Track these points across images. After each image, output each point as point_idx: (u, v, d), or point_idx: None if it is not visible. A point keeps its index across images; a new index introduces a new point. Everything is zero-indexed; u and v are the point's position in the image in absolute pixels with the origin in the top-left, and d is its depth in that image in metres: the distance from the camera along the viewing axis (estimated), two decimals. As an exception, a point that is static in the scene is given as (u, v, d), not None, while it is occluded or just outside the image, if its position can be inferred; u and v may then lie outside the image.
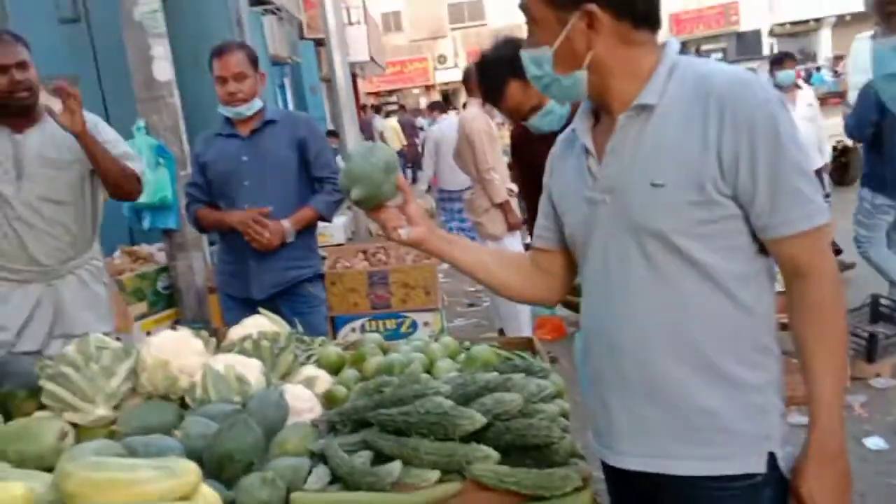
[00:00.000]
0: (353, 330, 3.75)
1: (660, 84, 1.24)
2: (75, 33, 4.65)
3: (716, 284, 1.22)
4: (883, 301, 4.23)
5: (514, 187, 4.27)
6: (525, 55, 1.32)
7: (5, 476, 1.20)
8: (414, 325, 3.72)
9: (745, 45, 27.97)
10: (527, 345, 2.14)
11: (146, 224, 3.52)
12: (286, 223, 2.86)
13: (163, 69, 3.54)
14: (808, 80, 15.68)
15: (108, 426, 1.61)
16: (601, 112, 1.35)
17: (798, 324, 1.24)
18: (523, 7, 1.30)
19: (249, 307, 2.57)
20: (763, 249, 1.24)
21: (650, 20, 1.26)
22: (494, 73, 2.30)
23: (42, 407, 1.68)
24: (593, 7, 1.20)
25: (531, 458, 1.41)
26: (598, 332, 1.36)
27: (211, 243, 3.86)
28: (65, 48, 4.56)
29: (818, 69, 22.94)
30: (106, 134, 2.62)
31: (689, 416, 1.25)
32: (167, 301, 3.73)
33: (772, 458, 1.25)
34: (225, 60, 2.81)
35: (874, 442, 3.31)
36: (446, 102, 26.92)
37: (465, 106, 10.12)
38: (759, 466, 1.24)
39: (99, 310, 2.69)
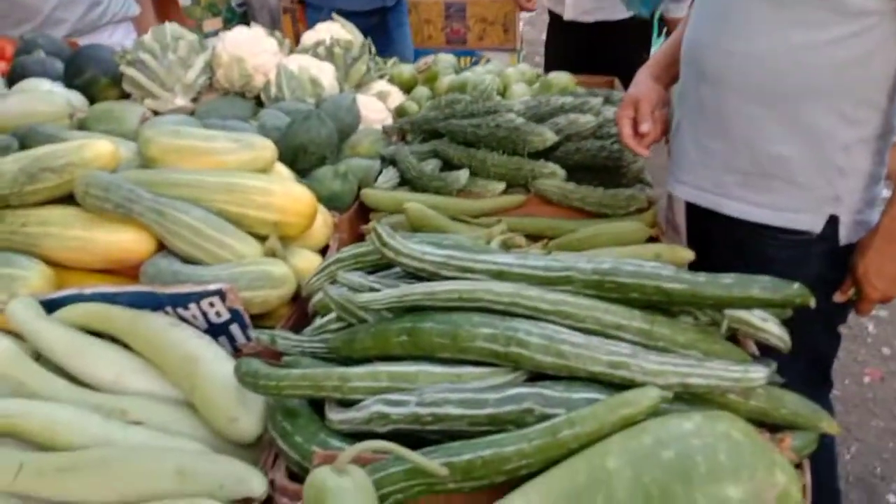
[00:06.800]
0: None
1: None
2: None
3: (829, 15, 1.04)
4: None
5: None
6: None
7: (96, 136, 1.25)
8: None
9: None
10: (608, 85, 2.06)
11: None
12: None
13: None
14: None
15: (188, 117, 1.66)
16: None
17: None
18: None
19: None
20: None
21: None
22: None
23: (124, 96, 1.73)
24: None
25: (598, 180, 1.41)
26: (690, 56, 1.24)
27: None
28: None
29: None
30: None
31: (759, 159, 1.16)
32: (240, 18, 3.65)
33: (833, 221, 1.16)
34: None
35: None
36: None
37: None
38: (815, 226, 1.16)
39: None
